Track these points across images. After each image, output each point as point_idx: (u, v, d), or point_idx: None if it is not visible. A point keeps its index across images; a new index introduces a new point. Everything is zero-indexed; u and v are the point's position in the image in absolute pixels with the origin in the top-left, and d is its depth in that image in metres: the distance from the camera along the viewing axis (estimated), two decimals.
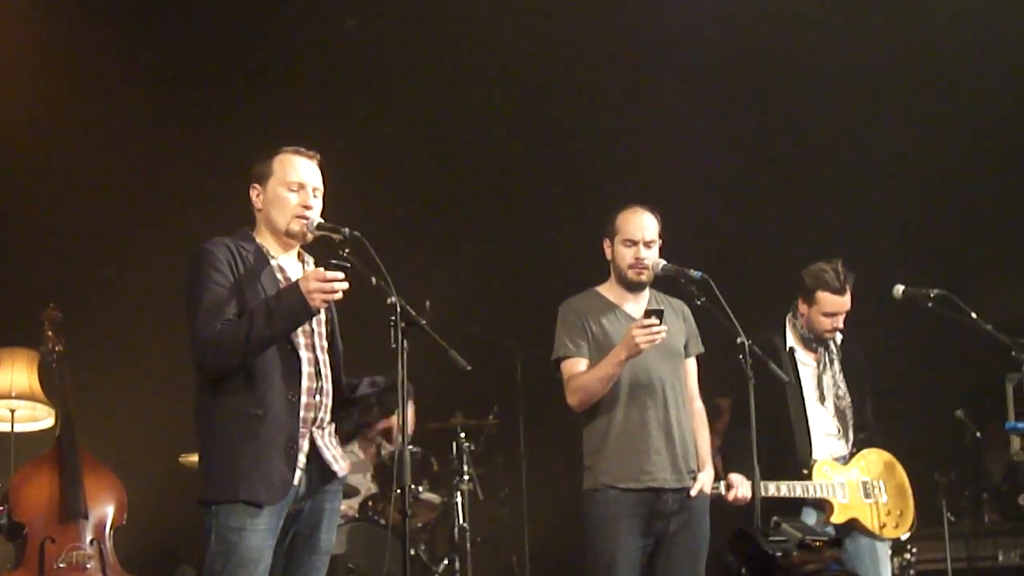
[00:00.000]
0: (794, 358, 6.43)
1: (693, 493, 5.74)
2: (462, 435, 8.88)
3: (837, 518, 6.23)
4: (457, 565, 8.69)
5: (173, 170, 8.69)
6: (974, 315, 6.30)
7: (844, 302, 6.37)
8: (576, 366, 5.78)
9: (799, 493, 6.16)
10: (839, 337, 6.49)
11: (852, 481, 6.32)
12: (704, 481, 5.83)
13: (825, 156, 9.41)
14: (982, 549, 8.17)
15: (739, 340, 5.54)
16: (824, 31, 8.62)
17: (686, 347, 5.98)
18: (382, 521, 8.10)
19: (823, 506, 6.24)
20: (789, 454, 6.22)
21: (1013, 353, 6.33)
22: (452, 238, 9.76)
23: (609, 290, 5.93)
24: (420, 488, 8.27)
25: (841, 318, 6.39)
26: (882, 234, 6.76)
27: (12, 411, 7.65)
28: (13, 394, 7.61)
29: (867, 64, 8.86)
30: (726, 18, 8.55)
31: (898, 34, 8.62)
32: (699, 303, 5.62)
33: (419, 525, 8.42)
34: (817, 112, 9.14)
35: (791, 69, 8.95)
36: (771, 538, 5.37)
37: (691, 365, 6.04)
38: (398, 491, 4.78)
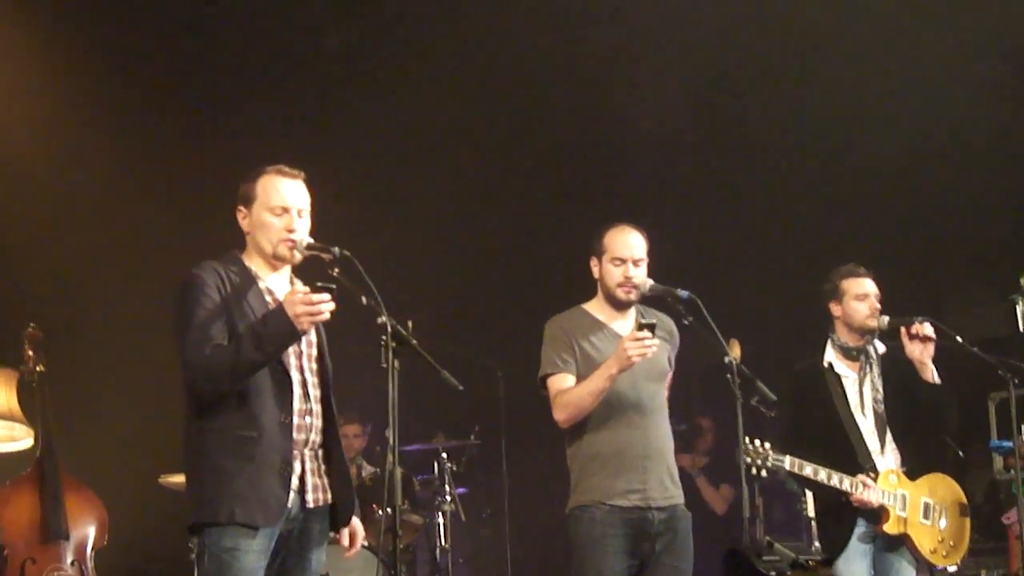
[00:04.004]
0: (835, 372, 6.39)
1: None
2: (444, 455, 8.86)
3: (891, 528, 6.17)
4: None
5: (158, 191, 8.65)
6: (959, 339, 6.31)
7: (871, 284, 6.36)
8: (563, 382, 5.72)
9: (860, 493, 6.12)
10: (880, 347, 6.45)
11: (915, 497, 6.27)
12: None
13: (801, 187, 9.47)
14: (965, 568, 8.15)
15: (726, 359, 5.52)
16: (808, 50, 8.67)
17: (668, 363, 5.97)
18: (364, 543, 8.06)
19: (877, 515, 6.18)
20: (851, 465, 6.16)
21: (1000, 372, 6.34)
22: (434, 258, 9.74)
23: (596, 308, 5.89)
24: (402, 508, 8.24)
25: (876, 300, 6.33)
26: (860, 260, 6.79)
27: None
28: None
29: (849, 89, 8.89)
30: (714, 28, 8.59)
31: (884, 49, 8.66)
32: (686, 323, 5.61)
33: (400, 546, 8.36)
34: (797, 140, 9.21)
35: (776, 91, 9.01)
36: (764, 558, 5.35)
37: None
38: (384, 511, 4.73)
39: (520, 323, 6.90)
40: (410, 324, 4.78)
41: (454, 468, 8.92)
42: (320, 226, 4.89)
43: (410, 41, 8.79)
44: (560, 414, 5.72)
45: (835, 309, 6.43)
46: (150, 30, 8.44)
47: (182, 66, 8.60)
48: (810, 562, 5.41)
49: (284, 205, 4.78)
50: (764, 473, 5.93)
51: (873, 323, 6.32)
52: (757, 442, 5.91)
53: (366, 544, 7.97)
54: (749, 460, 5.85)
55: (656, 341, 5.51)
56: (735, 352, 5.97)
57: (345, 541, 5.01)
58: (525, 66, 8.90)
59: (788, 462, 5.97)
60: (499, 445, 9.44)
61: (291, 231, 4.76)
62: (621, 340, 5.54)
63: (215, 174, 7.36)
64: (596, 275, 5.87)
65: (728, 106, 9.16)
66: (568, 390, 5.70)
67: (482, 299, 10.11)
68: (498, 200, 9.84)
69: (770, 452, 5.91)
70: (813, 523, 7.93)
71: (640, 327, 5.48)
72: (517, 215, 9.90)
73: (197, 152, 8.67)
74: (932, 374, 6.29)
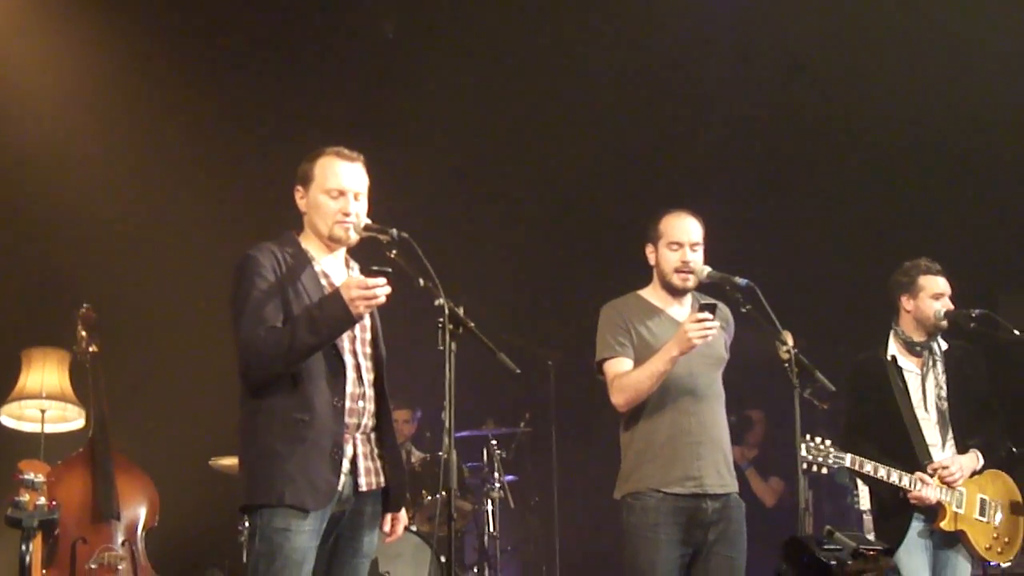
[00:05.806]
0: (898, 366, 6.35)
1: None
2: (493, 442, 8.84)
3: (947, 525, 6.15)
4: (487, 573, 8.66)
5: (211, 172, 8.69)
6: (1016, 332, 6.25)
7: (946, 283, 6.34)
8: (621, 365, 5.65)
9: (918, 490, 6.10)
10: (943, 343, 6.41)
11: (971, 494, 6.23)
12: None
13: (853, 178, 9.42)
14: (1018, 565, 8.06)
15: (785, 348, 5.45)
16: (874, 39, 8.63)
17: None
18: (413, 528, 8.07)
19: (934, 512, 6.16)
20: (910, 460, 6.13)
21: None
22: (485, 244, 9.72)
23: (652, 294, 5.83)
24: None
25: (948, 300, 6.32)
26: (916, 252, 6.74)
27: (43, 411, 7.67)
28: (44, 394, 7.64)
29: (905, 80, 8.83)
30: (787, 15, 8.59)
31: (947, 41, 8.59)
32: (744, 310, 5.54)
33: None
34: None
35: (837, 83, 8.97)
36: (825, 546, 5.27)
37: None
38: (440, 495, 4.71)
39: (571, 312, 6.87)
40: (462, 310, 4.76)
41: (503, 455, 8.90)
42: (375, 210, 4.88)
43: (468, 27, 8.76)
44: (618, 398, 5.65)
45: (907, 303, 6.37)
46: (204, 12, 8.46)
47: (240, 48, 8.63)
48: (871, 551, 5.30)
49: (340, 187, 4.78)
50: (824, 470, 5.87)
51: (944, 323, 6.28)
52: (818, 439, 5.85)
53: (414, 529, 8.00)
54: (810, 457, 5.79)
55: (717, 323, 5.47)
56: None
57: (387, 527, 4.95)
58: (587, 49, 8.87)
59: (849, 459, 5.92)
60: (549, 433, 9.40)
61: (346, 214, 4.76)
62: (682, 322, 5.50)
63: (272, 155, 7.39)
64: (652, 262, 5.81)
65: (787, 97, 9.09)
66: (626, 373, 5.63)
67: (533, 288, 10.08)
68: (550, 188, 9.80)
69: (831, 450, 5.85)
70: (864, 516, 7.88)
71: (702, 308, 5.44)
72: (569, 203, 9.86)
73: (255, 133, 8.69)
74: None
